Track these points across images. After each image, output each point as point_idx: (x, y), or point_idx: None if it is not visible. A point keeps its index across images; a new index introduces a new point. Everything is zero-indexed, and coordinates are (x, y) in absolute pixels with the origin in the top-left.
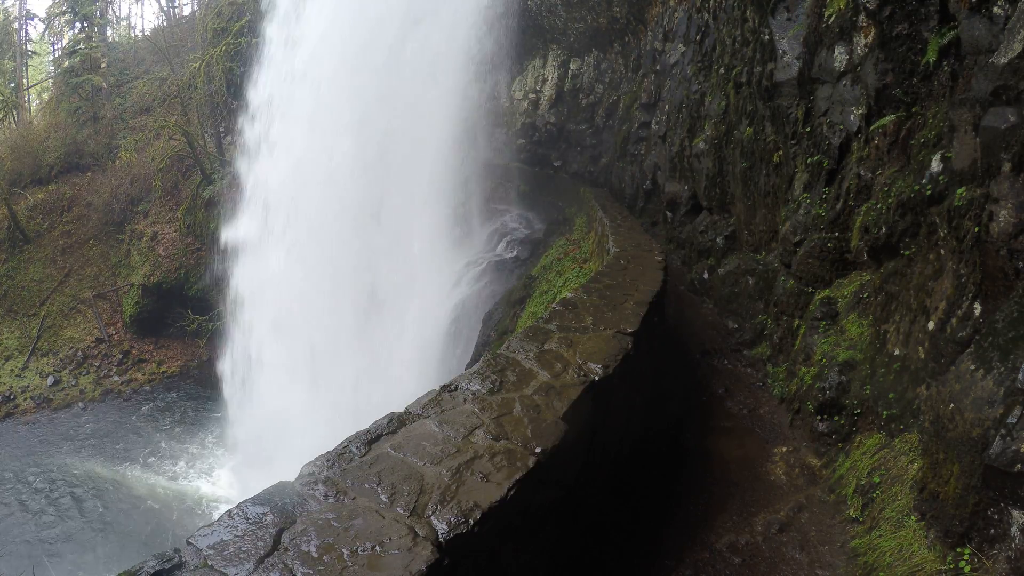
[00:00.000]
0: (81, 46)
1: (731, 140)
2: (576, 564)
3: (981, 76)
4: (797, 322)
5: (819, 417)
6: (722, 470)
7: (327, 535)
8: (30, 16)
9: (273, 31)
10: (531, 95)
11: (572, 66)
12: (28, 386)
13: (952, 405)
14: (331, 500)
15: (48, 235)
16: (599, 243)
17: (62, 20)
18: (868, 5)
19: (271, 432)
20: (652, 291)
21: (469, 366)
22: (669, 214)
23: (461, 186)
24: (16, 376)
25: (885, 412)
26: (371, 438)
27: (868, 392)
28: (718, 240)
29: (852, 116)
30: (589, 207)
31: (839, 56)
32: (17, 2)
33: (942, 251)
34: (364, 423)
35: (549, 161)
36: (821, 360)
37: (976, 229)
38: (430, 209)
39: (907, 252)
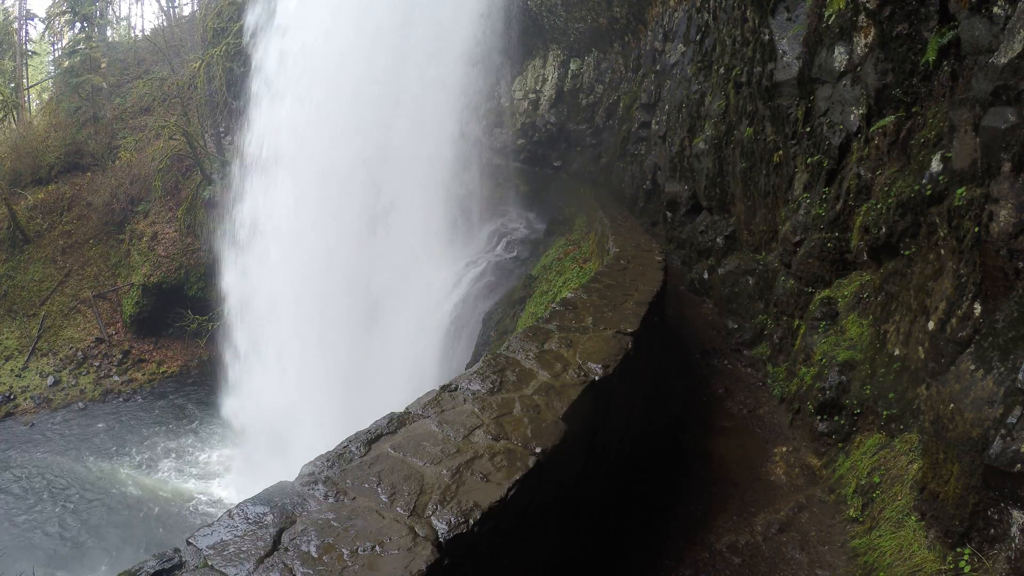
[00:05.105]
0: (81, 46)
1: (731, 140)
2: (576, 564)
3: (981, 76)
4: (797, 322)
5: (819, 417)
6: (722, 470)
7: (327, 535)
8: (30, 16)
9: (269, 33)
10: (531, 95)
11: (572, 66)
12: (28, 386)
13: (952, 405)
14: (331, 500)
15: (48, 235)
16: (599, 243)
17: (62, 20)
18: (868, 5)
19: (271, 432)
20: (652, 291)
21: (469, 366)
22: (669, 214)
23: (461, 186)
24: (16, 376)
25: (885, 412)
26: (371, 438)
27: (868, 392)
28: (718, 240)
29: (852, 116)
30: (589, 207)
31: (839, 56)
32: (17, 2)
33: (942, 251)
34: (364, 423)
35: (549, 161)
36: (821, 360)
37: (976, 229)
38: (430, 209)
39: (907, 252)
